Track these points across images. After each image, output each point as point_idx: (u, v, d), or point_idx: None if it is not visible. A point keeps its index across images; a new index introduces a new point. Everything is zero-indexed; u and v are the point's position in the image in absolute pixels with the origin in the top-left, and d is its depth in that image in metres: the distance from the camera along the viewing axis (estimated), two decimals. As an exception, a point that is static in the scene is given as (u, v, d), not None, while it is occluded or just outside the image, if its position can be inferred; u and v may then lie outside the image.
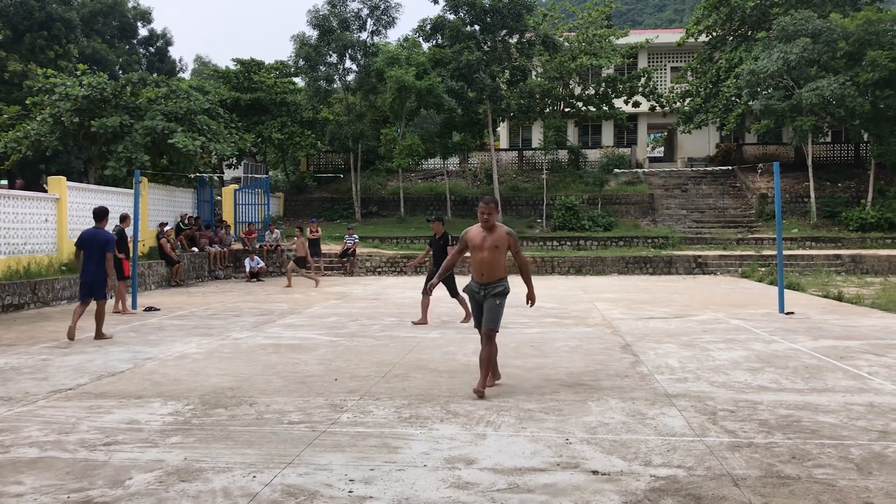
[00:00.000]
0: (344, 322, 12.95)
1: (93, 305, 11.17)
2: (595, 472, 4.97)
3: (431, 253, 13.20)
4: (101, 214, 11.37)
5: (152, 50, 50.87)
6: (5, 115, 25.52)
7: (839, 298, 16.64)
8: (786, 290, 18.80)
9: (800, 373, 8.23)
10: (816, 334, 11.16)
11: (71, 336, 10.65)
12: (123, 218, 15.38)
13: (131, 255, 15.34)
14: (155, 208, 23.11)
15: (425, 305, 12.71)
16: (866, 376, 8.02)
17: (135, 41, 49.37)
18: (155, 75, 43.95)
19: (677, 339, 10.84)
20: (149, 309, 14.79)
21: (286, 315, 14.02)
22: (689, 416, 6.38)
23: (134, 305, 14.98)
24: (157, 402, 6.98)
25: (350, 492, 4.60)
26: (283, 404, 6.88)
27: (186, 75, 54.98)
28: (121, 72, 43.36)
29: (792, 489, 4.62)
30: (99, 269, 10.92)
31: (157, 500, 4.45)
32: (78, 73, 23.79)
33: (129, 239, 15.45)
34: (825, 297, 17.28)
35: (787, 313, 13.74)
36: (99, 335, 10.99)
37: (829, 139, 38.08)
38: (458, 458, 5.28)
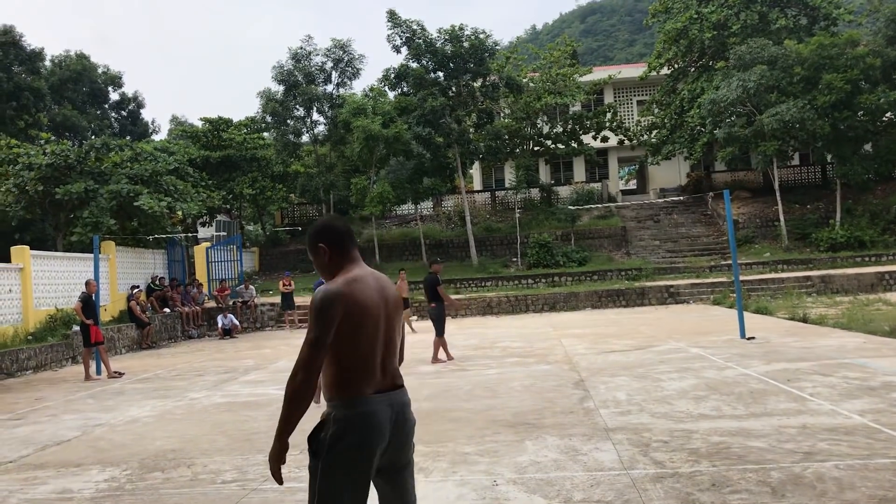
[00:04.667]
0: (306, 375, 12.89)
1: None
2: (514, 513, 4.99)
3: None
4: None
5: (124, 113, 51.14)
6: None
7: (804, 320, 16.74)
8: (754, 315, 19.05)
9: (743, 398, 8.29)
10: (771, 358, 11.24)
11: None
12: (88, 283, 15.36)
13: (98, 320, 15.29)
14: (124, 271, 23.09)
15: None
16: (808, 398, 8.09)
17: (106, 105, 49.69)
18: (128, 138, 44.26)
19: (632, 371, 10.90)
20: (115, 374, 14.71)
21: (250, 371, 13.98)
22: (621, 450, 6.42)
23: (98, 371, 14.91)
24: (95, 469, 6.95)
25: (264, 549, 4.61)
26: (221, 464, 6.87)
27: (162, 136, 55.30)
28: (93, 136, 43.53)
29: (703, 517, 4.65)
30: None
31: (66, 570, 4.44)
32: (42, 141, 23.93)
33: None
34: (791, 319, 17.38)
35: (749, 338, 13.82)
36: None
37: (796, 162, 38.63)
38: (381, 507, 5.28)
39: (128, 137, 44.76)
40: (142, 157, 24.41)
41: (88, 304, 14.79)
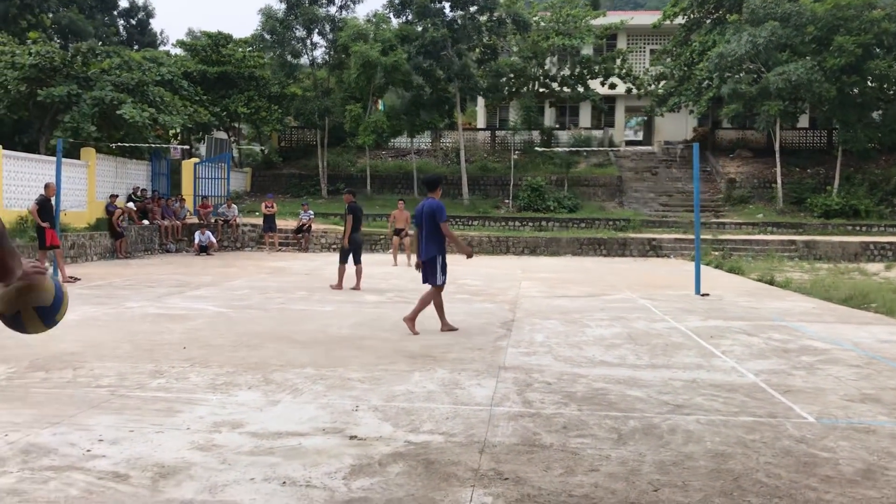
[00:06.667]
0: (251, 295, 12.92)
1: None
2: (353, 438, 4.95)
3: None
4: (431, 184, 9.60)
5: (133, 22, 50.56)
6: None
7: (770, 282, 16.58)
8: (726, 273, 18.96)
9: (654, 350, 8.20)
10: (711, 315, 11.12)
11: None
12: (47, 186, 15.29)
13: (55, 224, 15.29)
14: (105, 180, 23.00)
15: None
16: (718, 355, 7.99)
17: (115, 12, 49.07)
18: (135, 47, 43.77)
19: (567, 315, 10.81)
20: (69, 279, 14.76)
21: (200, 287, 14.00)
22: (501, 387, 6.36)
23: (54, 275, 14.94)
24: (-16, 365, 6.97)
25: (88, 451, 4.59)
26: (107, 369, 6.86)
27: (168, 48, 54.69)
28: (99, 43, 43.04)
29: (532, 457, 4.60)
30: (429, 244, 9.25)
31: None
32: (28, 41, 23.63)
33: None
34: (760, 280, 17.20)
35: (703, 295, 13.70)
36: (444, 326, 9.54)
37: (805, 125, 37.96)
38: (228, 422, 5.26)
39: (135, 47, 44.33)
40: (131, 65, 24.10)
41: (45, 207, 14.75)
